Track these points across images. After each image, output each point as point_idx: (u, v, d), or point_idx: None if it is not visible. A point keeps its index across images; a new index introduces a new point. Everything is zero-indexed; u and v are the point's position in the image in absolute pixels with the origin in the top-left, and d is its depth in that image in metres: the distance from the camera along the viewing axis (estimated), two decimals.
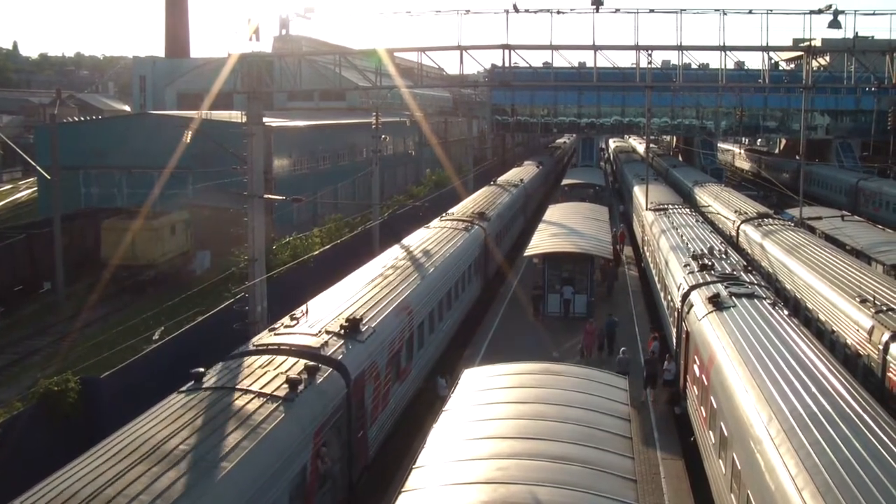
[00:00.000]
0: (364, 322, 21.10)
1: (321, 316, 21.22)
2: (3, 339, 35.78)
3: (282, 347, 18.54)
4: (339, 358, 18.59)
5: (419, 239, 34.48)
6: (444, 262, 31.18)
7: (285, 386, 16.02)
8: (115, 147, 52.70)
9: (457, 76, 72.36)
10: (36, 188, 65.54)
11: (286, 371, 16.79)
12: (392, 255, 30.66)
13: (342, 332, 19.97)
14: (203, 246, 48.01)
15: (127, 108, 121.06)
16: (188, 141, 32.03)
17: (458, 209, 44.69)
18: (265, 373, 16.64)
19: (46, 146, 44.74)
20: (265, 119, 30.08)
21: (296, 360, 17.54)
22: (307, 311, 21.36)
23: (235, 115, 31.54)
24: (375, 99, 68.36)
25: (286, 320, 20.72)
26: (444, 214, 42.10)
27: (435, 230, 36.87)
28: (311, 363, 17.37)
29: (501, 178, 66.13)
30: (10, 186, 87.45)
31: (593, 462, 13.77)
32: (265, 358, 17.62)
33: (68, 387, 20.33)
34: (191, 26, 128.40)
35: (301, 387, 16.19)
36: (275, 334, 19.60)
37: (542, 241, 40.10)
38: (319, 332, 19.70)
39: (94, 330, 35.92)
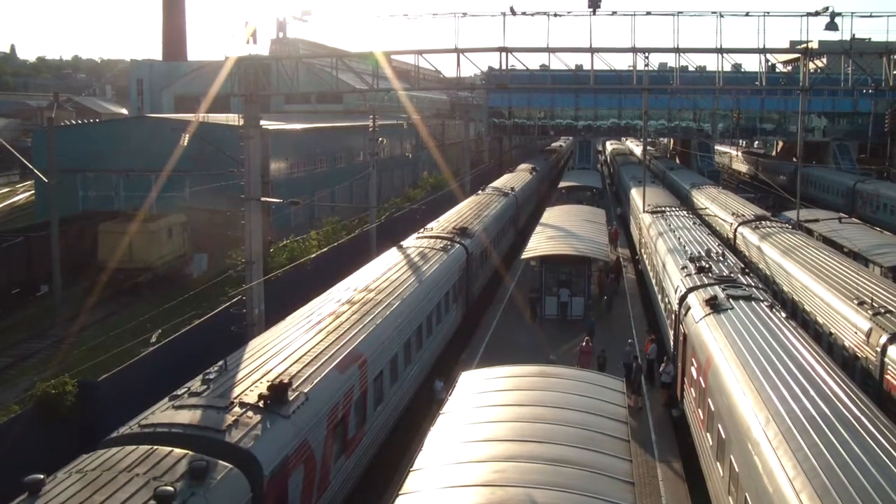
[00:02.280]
0: (295, 386, 16.56)
1: (240, 377, 16.83)
2: (1, 342, 35.72)
3: (172, 432, 14.19)
4: (249, 446, 14.15)
5: (387, 263, 30.19)
6: (414, 293, 26.77)
7: None
8: (112, 150, 52.63)
9: (454, 79, 72.35)
10: (33, 191, 65.49)
11: (162, 474, 12.41)
12: (350, 287, 25.98)
13: (261, 404, 15.38)
14: (200, 249, 47.98)
15: (124, 111, 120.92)
16: (185, 144, 32.06)
17: (439, 224, 40.61)
18: (130, 479, 12.18)
19: (44, 149, 44.70)
20: (262, 122, 30.08)
21: (184, 453, 13.08)
22: (225, 369, 17.12)
23: (232, 118, 31.44)
24: (372, 101, 68.40)
25: (196, 384, 16.29)
26: (421, 230, 38.04)
27: (408, 250, 32.73)
28: (201, 461, 12.73)
29: (491, 186, 60.83)
30: (7, 190, 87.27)
31: (591, 465, 13.76)
32: (142, 451, 13.09)
33: (66, 390, 20.29)
34: (188, 29, 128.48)
35: None
36: (173, 407, 15.16)
37: (539, 244, 40.08)
38: (230, 404, 15.20)
39: (91, 333, 35.85)
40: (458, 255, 34.52)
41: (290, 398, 16.00)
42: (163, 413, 14.99)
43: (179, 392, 15.87)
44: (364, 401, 20.01)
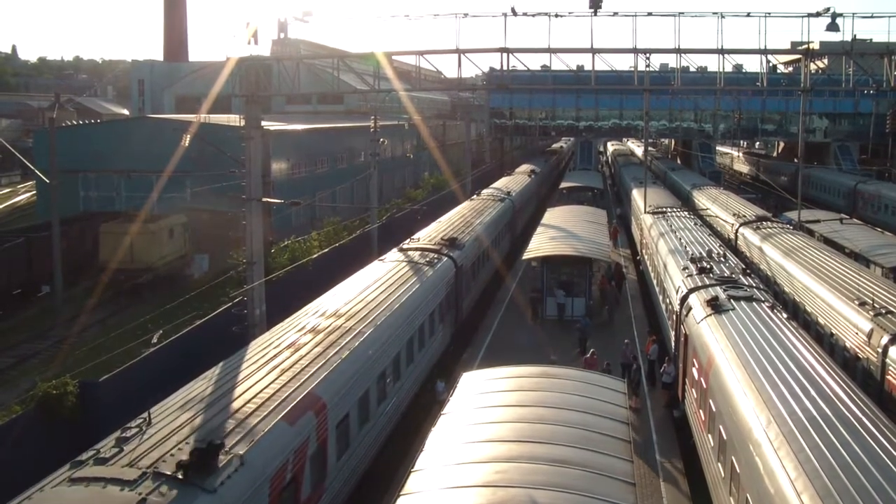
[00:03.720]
0: (229, 447, 13.61)
1: (165, 434, 13.79)
2: (2, 343, 35.73)
3: None
4: None
5: (363, 281, 27.00)
6: (392, 316, 23.64)
7: None
8: (113, 151, 52.69)
9: (455, 79, 72.43)
10: (34, 192, 65.55)
11: None
12: (317, 311, 22.93)
13: (179, 475, 12.27)
14: (201, 249, 48.00)
15: (125, 111, 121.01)
16: (186, 145, 32.07)
17: (426, 233, 37.36)
18: None
19: (45, 150, 44.73)
20: (263, 122, 30.10)
21: None
22: (148, 423, 14.22)
23: (234, 119, 31.49)
24: (373, 102, 68.44)
25: (108, 444, 13.34)
26: (407, 240, 34.94)
27: (389, 265, 29.74)
28: None
29: (487, 190, 57.29)
30: (8, 190, 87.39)
31: (592, 465, 13.75)
32: None
33: (67, 390, 20.32)
34: (189, 30, 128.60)
35: None
36: (68, 481, 12.10)
37: (540, 245, 40.06)
38: (141, 476, 12.14)
39: (92, 333, 35.86)
40: (445, 269, 31.40)
41: (221, 464, 12.93)
42: (53, 490, 11.87)
43: (84, 457, 12.86)
44: (323, 453, 17.01)
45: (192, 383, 16.85)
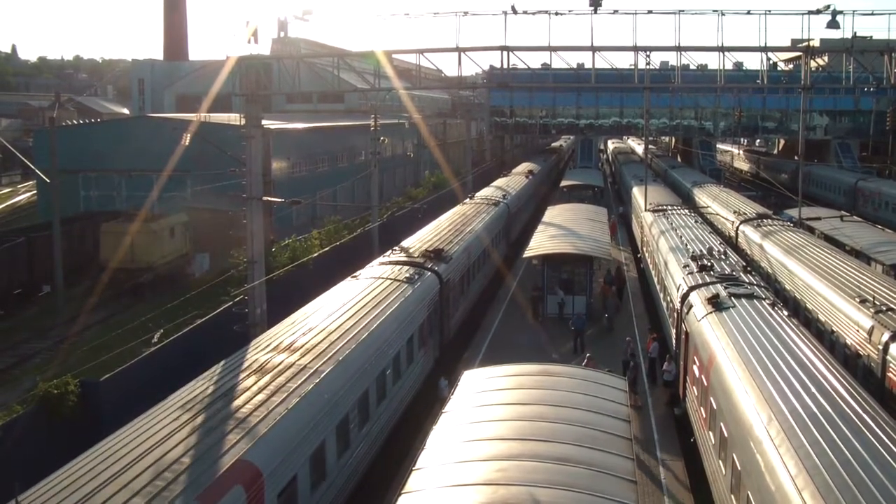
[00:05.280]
0: None
1: None
2: (3, 343, 35.72)
3: None
4: None
5: (329, 306, 23.25)
6: (360, 347, 20.22)
7: None
8: (114, 150, 52.72)
9: (455, 78, 72.42)
10: (35, 191, 65.56)
11: None
12: (269, 344, 19.54)
13: None
14: (202, 248, 48.00)
15: (126, 111, 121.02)
16: (187, 144, 32.05)
17: (410, 243, 34.14)
18: None
19: (45, 150, 44.72)
20: (264, 121, 30.10)
21: None
22: None
23: (234, 118, 31.50)
24: (374, 101, 68.36)
25: None
26: (388, 252, 32.10)
27: (363, 284, 26.10)
28: None
29: (481, 193, 54.16)
30: (9, 190, 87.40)
31: (593, 463, 13.76)
32: None
33: (68, 390, 20.35)
34: (189, 29, 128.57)
35: None
36: None
37: (541, 243, 40.05)
38: None
39: (93, 333, 35.87)
40: (428, 285, 28.15)
41: None
42: None
43: None
44: None
45: (89, 452, 13.46)
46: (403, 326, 24.24)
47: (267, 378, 17.05)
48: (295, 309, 23.28)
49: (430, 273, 29.14)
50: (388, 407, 22.12)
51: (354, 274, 27.91)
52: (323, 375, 17.75)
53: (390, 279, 26.81)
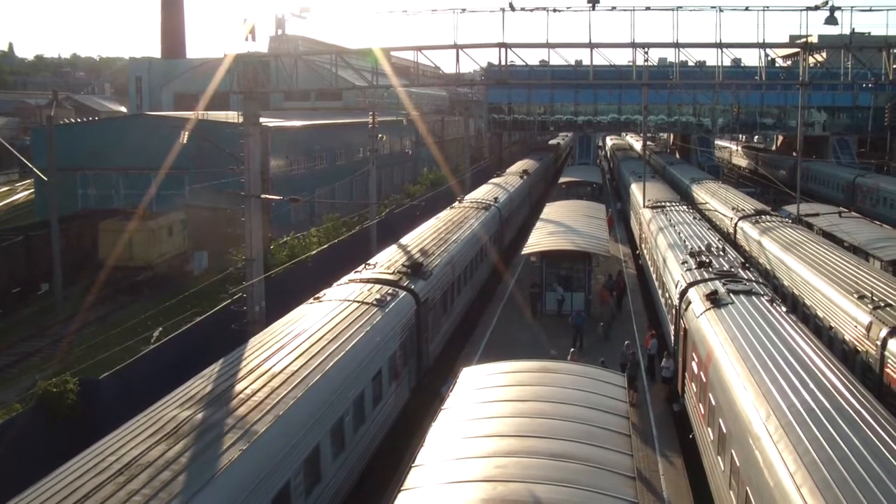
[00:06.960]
0: None
1: None
2: (2, 341, 35.75)
3: None
4: None
5: (279, 338, 19.33)
6: (307, 396, 16.36)
7: None
8: (111, 148, 52.68)
9: (453, 75, 72.45)
10: (33, 190, 65.51)
11: None
12: (199, 391, 15.63)
13: None
14: (200, 246, 47.99)
15: (123, 109, 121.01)
16: (185, 141, 32.09)
17: (386, 257, 30.39)
18: None
19: (43, 148, 44.73)
20: (262, 119, 30.08)
21: None
22: None
23: (232, 116, 31.45)
24: (372, 98, 68.39)
25: None
26: (361, 267, 27.96)
27: (325, 308, 22.20)
28: None
29: (470, 196, 50.63)
30: (7, 188, 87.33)
31: (592, 459, 13.78)
32: None
33: (67, 388, 20.35)
34: (187, 27, 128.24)
35: None
36: None
37: (539, 240, 40.05)
38: None
39: (92, 331, 35.87)
40: (402, 307, 24.41)
41: None
42: None
43: None
44: None
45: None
46: (370, 359, 20.57)
47: (180, 446, 13.20)
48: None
49: (404, 293, 25.29)
50: (344, 464, 18.06)
51: (317, 295, 24.09)
52: (256, 438, 14.00)
53: (357, 302, 22.97)
